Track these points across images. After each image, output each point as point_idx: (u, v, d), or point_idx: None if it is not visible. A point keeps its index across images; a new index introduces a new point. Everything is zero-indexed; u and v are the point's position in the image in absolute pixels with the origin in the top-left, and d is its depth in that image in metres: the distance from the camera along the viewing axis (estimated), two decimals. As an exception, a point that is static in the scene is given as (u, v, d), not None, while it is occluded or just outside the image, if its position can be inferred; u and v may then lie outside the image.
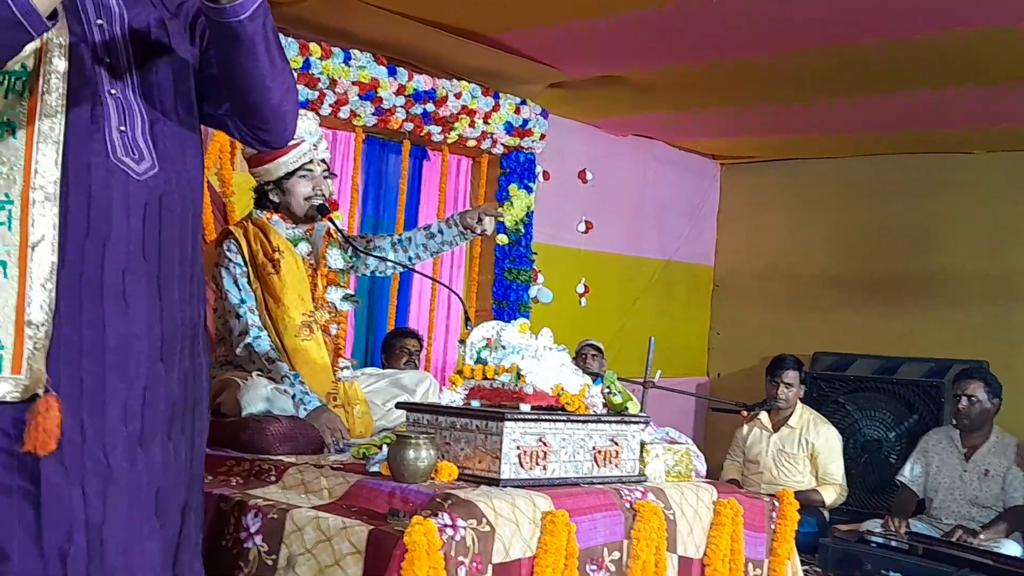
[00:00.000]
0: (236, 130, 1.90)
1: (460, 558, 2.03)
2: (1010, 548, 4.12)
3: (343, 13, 4.18)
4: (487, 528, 2.10)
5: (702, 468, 2.89)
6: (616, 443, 2.57)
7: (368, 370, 3.39)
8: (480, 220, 3.07)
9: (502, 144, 5.32)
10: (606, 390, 2.64)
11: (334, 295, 3.12)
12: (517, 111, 5.25)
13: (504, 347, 2.55)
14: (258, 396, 2.76)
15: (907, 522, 4.37)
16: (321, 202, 3.03)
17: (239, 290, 2.96)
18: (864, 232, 6.53)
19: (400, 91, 4.65)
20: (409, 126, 4.84)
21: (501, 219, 3.47)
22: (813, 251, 6.71)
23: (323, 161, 3.09)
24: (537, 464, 2.38)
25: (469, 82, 4.96)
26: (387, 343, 4.69)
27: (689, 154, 6.91)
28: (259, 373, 2.87)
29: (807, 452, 5.00)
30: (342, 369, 3.13)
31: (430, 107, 4.81)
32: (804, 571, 4.02)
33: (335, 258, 3.13)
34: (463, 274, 5.50)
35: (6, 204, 1.62)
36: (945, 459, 4.63)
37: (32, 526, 1.61)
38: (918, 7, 3.88)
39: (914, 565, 3.90)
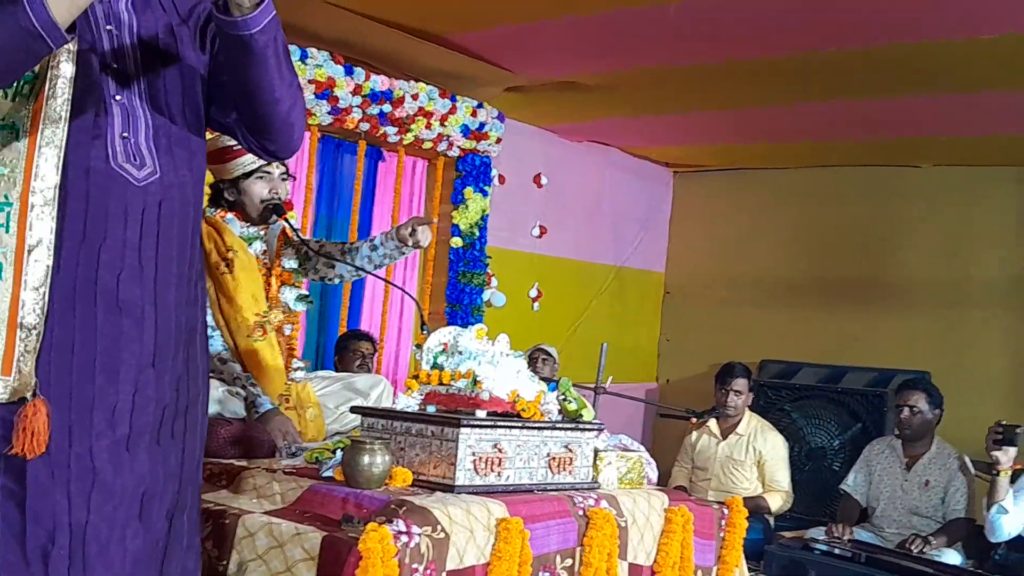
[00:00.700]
0: (243, 139, 1.91)
1: (414, 565, 2.02)
2: (950, 557, 4.21)
3: (300, 10, 4.15)
4: (442, 535, 2.09)
5: (654, 475, 2.91)
6: (570, 450, 2.58)
7: (321, 373, 3.36)
8: (413, 232, 3.05)
9: (458, 147, 5.31)
10: (561, 397, 2.65)
11: (288, 295, 3.09)
12: (474, 114, 5.24)
13: (461, 352, 2.55)
14: (210, 398, 2.72)
15: (851, 530, 4.44)
16: (277, 203, 2.99)
17: (192, 289, 2.91)
18: (812, 241, 6.64)
19: (357, 91, 4.62)
20: (365, 126, 4.82)
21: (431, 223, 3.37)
22: (762, 259, 6.81)
23: (282, 163, 3.06)
24: (492, 471, 2.38)
25: (426, 84, 4.95)
26: (340, 345, 4.65)
27: (643, 161, 6.97)
28: (211, 374, 2.82)
29: (755, 459, 5.06)
30: (295, 371, 3.10)
31: (387, 108, 4.79)
32: (750, 577, 4.07)
33: (290, 258, 3.10)
34: (417, 276, 5.49)
35: (5, 206, 1.63)
36: (887, 468, 4.72)
37: (16, 525, 1.63)
38: (871, 18, 3.96)
39: (857, 573, 3.96)
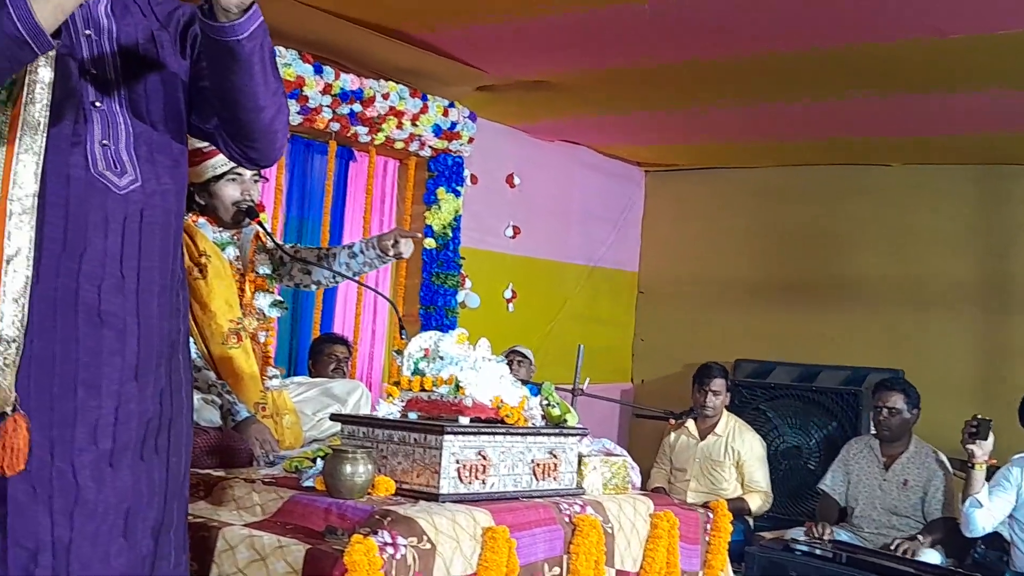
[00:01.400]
0: (224, 146, 1.86)
1: (401, 577, 1.97)
2: (930, 556, 4.21)
3: (268, 8, 3.99)
4: (428, 545, 2.04)
5: (637, 480, 2.88)
6: (555, 456, 2.54)
7: (297, 379, 3.30)
8: (396, 243, 3.00)
9: (430, 147, 5.25)
10: (544, 402, 2.61)
11: (262, 301, 3.02)
12: (445, 113, 5.19)
13: (442, 358, 2.50)
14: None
15: (831, 529, 4.44)
16: (249, 205, 2.92)
17: (164, 296, 2.84)
18: (785, 240, 6.64)
19: (326, 90, 4.55)
20: (335, 126, 4.74)
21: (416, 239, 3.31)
22: (735, 258, 6.81)
23: (253, 163, 2.99)
24: (476, 478, 2.34)
25: (397, 83, 4.89)
26: (314, 349, 4.58)
27: (614, 160, 6.95)
28: (184, 382, 2.75)
29: (733, 460, 5.05)
30: (271, 378, 3.03)
31: (357, 107, 4.72)
32: (731, 579, 4.05)
33: (264, 263, 3.04)
34: (390, 278, 5.42)
35: None
36: (865, 468, 4.72)
37: None
38: (837, 18, 3.96)
39: (838, 573, 3.95)
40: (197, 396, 2.71)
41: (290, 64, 4.37)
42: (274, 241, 3.04)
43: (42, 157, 1.60)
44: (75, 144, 1.64)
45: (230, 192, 2.91)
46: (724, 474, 5.05)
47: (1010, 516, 4.12)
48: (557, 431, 2.55)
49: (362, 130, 4.87)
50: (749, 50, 4.40)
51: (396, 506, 2.15)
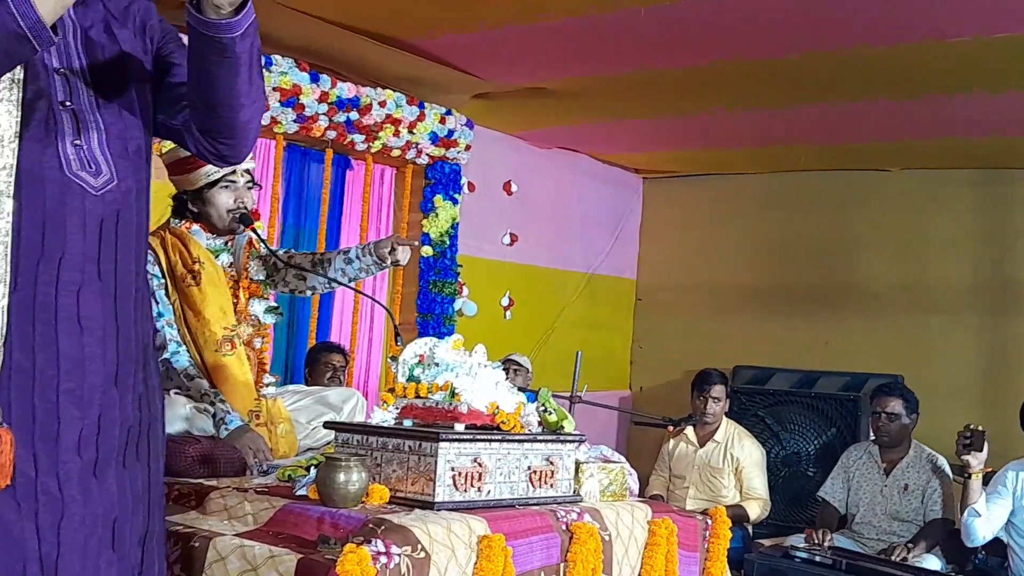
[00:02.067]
0: (193, 143, 1.83)
1: (395, 587, 1.94)
2: (931, 563, 4.19)
3: (264, 17, 4.00)
4: (422, 554, 2.01)
5: (635, 487, 2.85)
6: (552, 463, 2.51)
7: (292, 387, 3.27)
8: (393, 250, 2.98)
9: (427, 154, 5.24)
10: (541, 408, 2.58)
11: (257, 308, 3.00)
12: (442, 121, 5.17)
13: (438, 364, 2.48)
14: (176, 416, 2.63)
15: (831, 536, 4.41)
16: (243, 213, 2.90)
17: (157, 303, 2.82)
18: (783, 246, 6.63)
19: (323, 98, 4.54)
20: (332, 134, 4.73)
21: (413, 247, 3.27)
22: (733, 265, 6.79)
23: (247, 172, 2.97)
24: (472, 486, 2.31)
25: (394, 90, 4.88)
26: (311, 358, 4.55)
27: (612, 167, 6.94)
28: (177, 391, 2.74)
29: (732, 466, 5.02)
30: (267, 385, 3.01)
31: (353, 115, 4.71)
32: (731, 587, 4.02)
33: (257, 269, 3.01)
34: (387, 286, 5.40)
35: None
36: (865, 474, 4.70)
37: None
38: (836, 23, 3.95)
39: (838, 579, 3.93)
40: (190, 405, 2.69)
41: (286, 72, 4.36)
42: (268, 248, 3.02)
43: (15, 160, 1.57)
44: (47, 146, 1.61)
45: (224, 199, 2.89)
46: (723, 481, 5.02)
47: (1008, 521, 4.10)
48: (554, 438, 2.53)
49: (359, 138, 4.86)
50: (746, 56, 4.39)
51: (390, 514, 2.12)
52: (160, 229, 2.98)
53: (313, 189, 5.00)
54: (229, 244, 2.99)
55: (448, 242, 5.39)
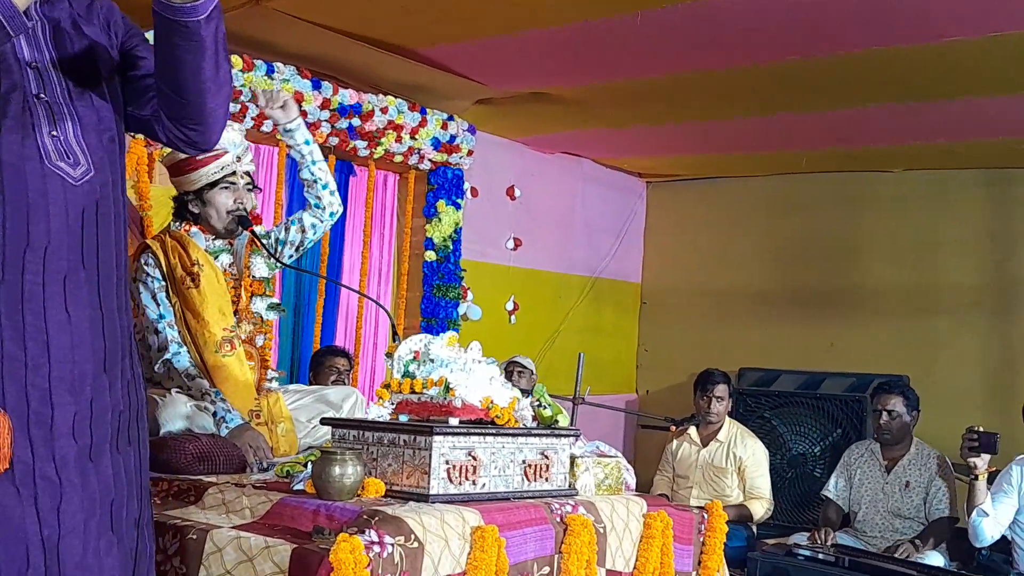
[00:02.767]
0: (162, 131, 1.86)
1: (388, 575, 1.97)
2: (934, 559, 4.19)
3: (266, 25, 4.11)
4: (415, 544, 2.04)
5: (632, 481, 2.87)
6: (546, 457, 2.54)
7: (293, 387, 3.31)
8: (270, 107, 3.02)
9: (429, 160, 5.28)
10: (536, 403, 2.61)
11: (259, 305, 3.05)
12: (444, 127, 5.22)
13: (432, 360, 2.51)
14: (177, 414, 2.67)
15: (834, 534, 4.42)
16: (243, 215, 2.95)
17: (157, 305, 2.87)
18: (787, 249, 6.64)
19: (325, 105, 4.59)
20: (334, 140, 4.77)
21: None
22: (738, 268, 6.80)
23: (247, 173, 3.02)
24: (467, 479, 2.34)
25: (395, 97, 4.92)
26: (315, 361, 4.59)
27: (616, 172, 6.96)
28: (178, 390, 2.77)
29: (735, 466, 5.03)
30: (271, 380, 3.05)
31: (356, 122, 4.75)
32: (733, 585, 4.03)
33: (259, 267, 3.05)
34: (391, 291, 5.44)
35: None
36: (867, 472, 4.70)
37: None
38: (838, 26, 3.96)
39: (840, 576, 3.93)
40: (191, 403, 2.73)
41: (288, 79, 4.41)
42: (268, 251, 3.06)
43: None
44: (25, 137, 1.64)
45: (223, 200, 2.94)
46: (727, 481, 5.02)
47: (1013, 519, 4.10)
48: (548, 432, 2.55)
49: (361, 144, 4.90)
50: (748, 61, 4.40)
51: (385, 506, 2.15)
52: (161, 233, 3.04)
53: (317, 195, 5.03)
54: (229, 244, 3.03)
55: (452, 247, 5.42)
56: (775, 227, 6.70)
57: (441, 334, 2.57)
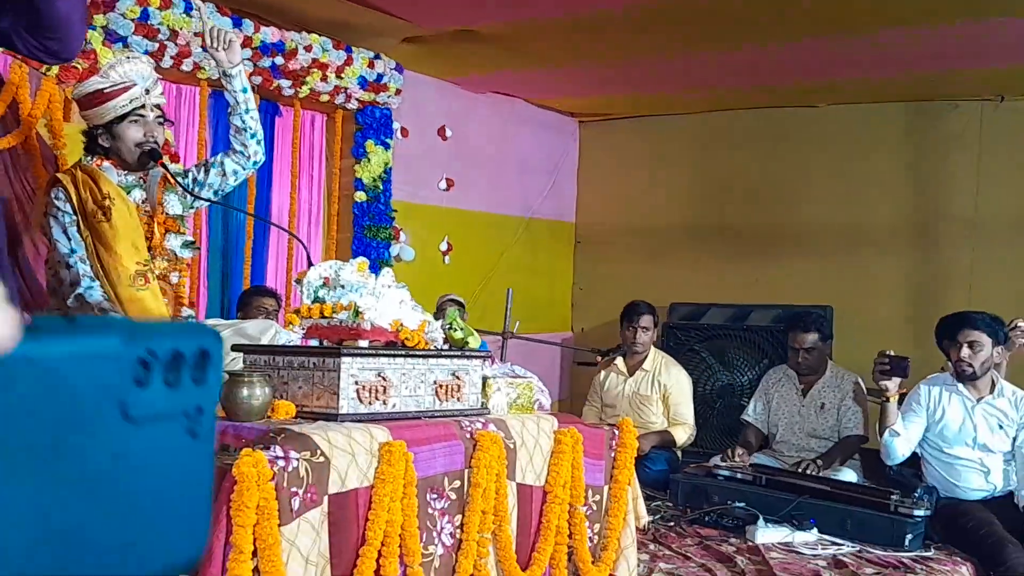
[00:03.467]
0: (22, 43, 1.86)
1: (293, 488, 2.02)
2: (847, 476, 4.36)
3: None
4: (321, 459, 2.10)
5: (546, 402, 2.95)
6: (458, 377, 2.60)
7: (211, 320, 3.33)
8: (215, 47, 3.05)
9: (356, 99, 5.25)
10: (447, 326, 2.67)
11: (173, 242, 3.05)
12: (371, 65, 5.19)
13: (343, 286, 2.55)
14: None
15: (742, 451, 4.58)
16: (153, 147, 2.94)
17: (68, 239, 2.86)
18: (717, 185, 6.74)
19: (246, 43, 4.52)
20: (257, 79, 4.72)
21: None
22: (669, 205, 6.90)
23: (157, 106, 3.00)
24: (377, 399, 2.39)
25: (319, 35, 4.88)
26: (243, 301, 4.59)
27: (548, 112, 6.99)
28: (91, 324, 2.78)
29: (660, 394, 5.16)
30: (185, 318, 3.06)
31: (279, 60, 4.71)
32: (656, 506, 4.17)
33: (173, 204, 3.06)
34: (321, 232, 5.43)
35: None
36: (784, 396, 4.87)
37: None
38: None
39: (758, 495, 4.08)
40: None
41: (208, 17, 4.34)
42: (180, 184, 3.06)
43: None
44: None
45: (133, 134, 2.93)
46: (652, 408, 5.15)
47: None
48: (459, 353, 2.61)
49: (285, 83, 4.86)
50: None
51: (293, 425, 2.20)
52: (72, 167, 3.02)
53: (242, 136, 4.99)
54: (143, 180, 3.02)
55: (381, 187, 5.42)
56: (705, 164, 6.80)
57: (351, 261, 2.60)
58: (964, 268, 5.91)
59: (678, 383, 5.17)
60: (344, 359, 2.32)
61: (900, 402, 4.26)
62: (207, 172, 3.16)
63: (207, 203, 3.12)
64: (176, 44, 4.25)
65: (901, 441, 4.20)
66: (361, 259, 2.61)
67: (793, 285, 6.28)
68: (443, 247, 6.20)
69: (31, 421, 0.67)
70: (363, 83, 5.18)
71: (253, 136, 3.16)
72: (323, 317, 2.48)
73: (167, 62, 4.25)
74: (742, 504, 4.01)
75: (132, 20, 3.98)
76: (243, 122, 3.11)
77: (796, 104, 6.39)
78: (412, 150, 5.84)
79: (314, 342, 2.51)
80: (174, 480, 0.80)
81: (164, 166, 2.98)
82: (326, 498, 2.10)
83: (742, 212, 6.63)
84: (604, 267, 7.12)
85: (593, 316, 7.11)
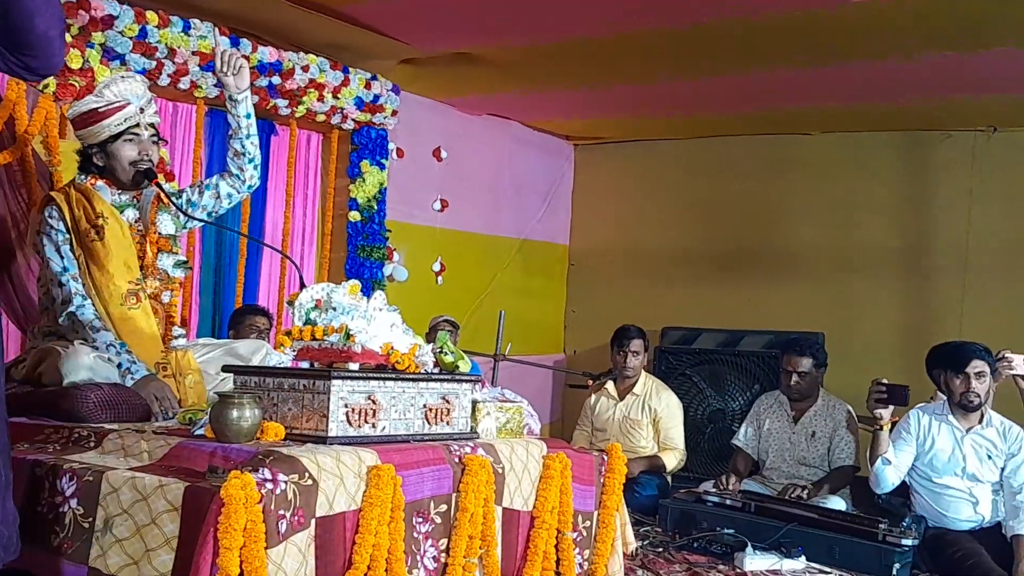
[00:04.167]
0: (2, 61, 1.87)
1: (281, 511, 2.02)
2: (836, 504, 4.36)
3: None
4: (309, 482, 2.09)
5: (536, 427, 2.95)
6: (447, 401, 2.61)
7: (202, 340, 3.33)
8: (224, 71, 3.05)
9: (353, 119, 5.27)
10: (438, 349, 2.67)
11: (165, 262, 3.06)
12: (368, 86, 5.21)
13: (334, 308, 2.55)
14: (80, 364, 2.68)
15: (738, 480, 4.58)
16: (147, 167, 2.95)
17: (61, 258, 2.87)
18: (710, 210, 6.76)
19: (244, 62, 4.55)
20: (254, 98, 4.70)
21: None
22: (663, 229, 6.92)
23: (151, 125, 3.02)
24: (366, 422, 2.39)
25: (317, 55, 4.90)
26: (235, 319, 4.60)
27: (543, 134, 7.02)
28: (82, 342, 2.78)
29: (650, 418, 5.16)
30: (176, 338, 3.07)
31: (276, 80, 4.73)
32: (645, 532, 4.16)
33: (165, 224, 3.06)
34: (315, 251, 5.44)
35: None
36: (775, 422, 4.87)
37: None
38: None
39: (746, 521, 4.08)
40: (93, 354, 2.74)
41: (205, 36, 4.36)
42: (174, 203, 3.06)
43: None
44: None
45: (127, 152, 2.94)
46: (642, 432, 5.15)
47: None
48: (449, 377, 2.62)
49: (282, 103, 4.88)
50: (675, 23, 4.44)
51: (281, 447, 2.20)
52: (66, 186, 3.03)
53: (238, 155, 5.00)
54: (136, 199, 3.03)
55: (376, 207, 5.43)
56: (698, 189, 6.82)
57: (344, 283, 2.61)
58: (955, 298, 5.94)
59: (668, 408, 5.17)
60: (334, 382, 2.32)
61: (891, 430, 4.27)
62: (201, 194, 3.17)
63: (200, 223, 3.12)
64: (174, 62, 4.26)
65: (891, 470, 4.20)
66: (353, 281, 2.61)
67: (785, 311, 6.30)
68: (436, 268, 6.21)
69: None
70: (359, 103, 5.20)
71: (251, 161, 3.18)
72: (314, 339, 2.49)
73: (164, 80, 4.27)
74: (731, 531, 4.00)
75: (130, 38, 4.00)
76: (243, 147, 3.13)
77: (790, 131, 6.43)
78: (407, 170, 5.86)
79: (305, 364, 2.51)
80: None
81: (159, 185, 2.99)
82: (313, 521, 2.10)
83: (735, 238, 6.66)
84: (597, 290, 7.14)
85: (586, 339, 7.12)
